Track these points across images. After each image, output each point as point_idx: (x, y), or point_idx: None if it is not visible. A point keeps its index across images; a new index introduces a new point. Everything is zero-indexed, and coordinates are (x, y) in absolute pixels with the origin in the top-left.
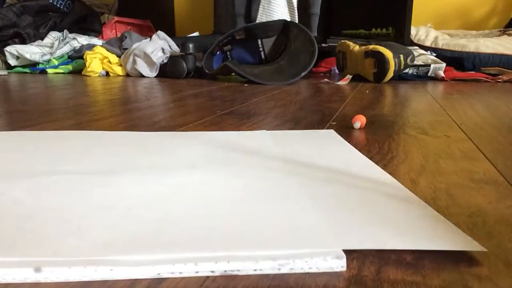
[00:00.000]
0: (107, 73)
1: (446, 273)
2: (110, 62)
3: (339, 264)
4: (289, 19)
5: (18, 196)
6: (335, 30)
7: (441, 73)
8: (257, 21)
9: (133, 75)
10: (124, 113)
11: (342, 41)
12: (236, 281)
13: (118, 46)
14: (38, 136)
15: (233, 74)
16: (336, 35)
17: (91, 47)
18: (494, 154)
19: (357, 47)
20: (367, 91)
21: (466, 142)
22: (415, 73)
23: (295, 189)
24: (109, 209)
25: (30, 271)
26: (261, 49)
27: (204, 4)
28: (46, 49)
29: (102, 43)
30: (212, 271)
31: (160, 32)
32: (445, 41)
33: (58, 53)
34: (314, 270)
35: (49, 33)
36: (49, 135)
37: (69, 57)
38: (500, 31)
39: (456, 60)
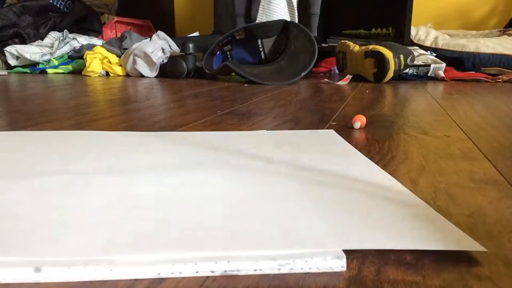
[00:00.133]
0: (107, 73)
1: (446, 273)
2: (110, 62)
3: (339, 264)
4: (289, 19)
5: (18, 196)
6: (335, 30)
7: (441, 73)
8: (257, 21)
9: (133, 75)
10: (124, 113)
11: (342, 41)
12: (236, 281)
13: (118, 46)
14: (38, 136)
15: (233, 74)
16: (336, 35)
17: (91, 47)
18: (494, 154)
19: (357, 47)
20: (367, 91)
21: (466, 142)
22: (415, 73)
23: (295, 189)
24: (109, 209)
25: (30, 271)
26: (261, 49)
27: (204, 4)
28: (46, 49)
29: (102, 43)
30: (212, 271)
31: (160, 32)
32: (445, 41)
33: (58, 53)
34: (314, 270)
35: (49, 33)
36: (49, 135)
37: (69, 57)
38: (500, 31)
39: (456, 60)
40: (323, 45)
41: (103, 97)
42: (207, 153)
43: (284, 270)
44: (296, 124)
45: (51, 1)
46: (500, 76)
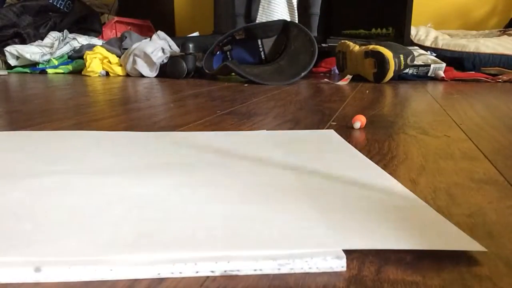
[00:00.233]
0: (107, 73)
1: (446, 273)
2: (110, 62)
3: (339, 264)
4: (289, 19)
5: (18, 196)
6: (335, 30)
7: (441, 73)
8: (257, 21)
9: (133, 75)
10: (124, 113)
11: (342, 41)
12: (236, 281)
13: (118, 46)
14: (38, 136)
15: (233, 74)
16: (336, 35)
17: (91, 47)
18: (494, 154)
19: (357, 47)
20: (367, 91)
21: (466, 142)
22: (415, 73)
23: (295, 189)
24: (109, 209)
25: (30, 271)
26: (261, 49)
27: (204, 4)
28: (46, 49)
29: (102, 43)
30: (212, 271)
31: (160, 32)
32: (445, 41)
33: (58, 53)
34: (314, 270)
35: (49, 33)
36: (49, 135)
37: (69, 57)
38: (500, 31)
39: (456, 60)
40: (323, 45)
41: (103, 97)
42: (207, 153)
43: (284, 270)
44: (296, 124)
45: (51, 1)
46: (500, 76)
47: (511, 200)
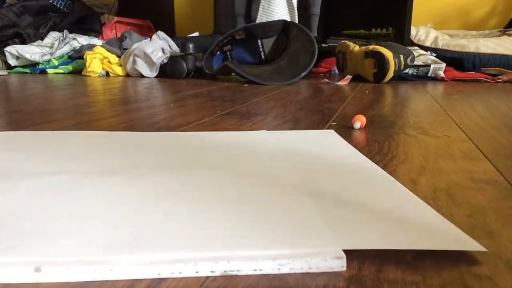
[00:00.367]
0: (107, 73)
1: (446, 273)
2: (110, 62)
3: (339, 264)
4: (289, 19)
5: (18, 196)
6: (335, 30)
7: (441, 73)
8: (257, 21)
9: (133, 75)
10: (124, 113)
11: (342, 41)
12: (236, 281)
13: (118, 46)
14: (38, 136)
15: (233, 74)
16: (336, 35)
17: (91, 47)
18: (494, 154)
19: (357, 47)
20: (367, 91)
21: (466, 142)
22: (415, 73)
23: (295, 189)
24: (109, 209)
25: (30, 271)
26: (261, 49)
27: (204, 4)
28: (46, 49)
29: (102, 43)
30: (212, 271)
31: (160, 32)
32: (445, 41)
33: (58, 53)
34: (314, 270)
35: (49, 33)
36: (49, 135)
37: (69, 57)
38: (500, 31)
39: (456, 60)
40: (323, 45)
41: (103, 97)
42: (207, 153)
43: (284, 270)
44: (296, 124)
45: (51, 1)
46: (500, 76)
47: (511, 200)
